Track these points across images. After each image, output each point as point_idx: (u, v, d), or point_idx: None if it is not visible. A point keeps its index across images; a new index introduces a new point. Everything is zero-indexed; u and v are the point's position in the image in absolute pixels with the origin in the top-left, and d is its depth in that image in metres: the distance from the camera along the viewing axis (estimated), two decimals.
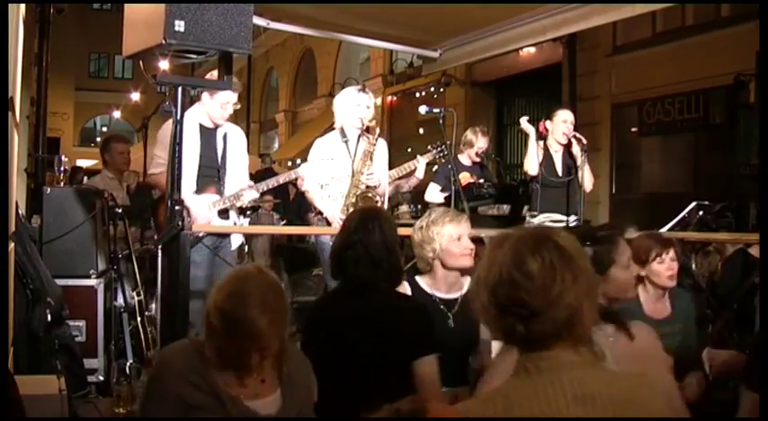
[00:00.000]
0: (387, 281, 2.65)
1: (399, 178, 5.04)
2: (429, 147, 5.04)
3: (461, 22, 5.37)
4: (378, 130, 4.56)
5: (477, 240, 3.22)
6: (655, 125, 9.54)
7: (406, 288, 2.99)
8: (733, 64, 7.69)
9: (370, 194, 4.42)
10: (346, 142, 4.49)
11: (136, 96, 23.34)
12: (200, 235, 4.04)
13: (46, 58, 5.13)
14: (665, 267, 3.24)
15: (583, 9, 4.78)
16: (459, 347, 3.02)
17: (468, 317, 3.12)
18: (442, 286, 3.12)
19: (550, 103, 9.71)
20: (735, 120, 8.27)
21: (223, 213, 4.24)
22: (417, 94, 13.42)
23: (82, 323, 3.92)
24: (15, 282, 3.23)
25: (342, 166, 4.46)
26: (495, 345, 3.52)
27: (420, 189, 5.87)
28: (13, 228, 3.07)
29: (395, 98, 14.74)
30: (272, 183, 4.46)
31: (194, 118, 4.20)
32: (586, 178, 5.17)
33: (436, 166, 5.58)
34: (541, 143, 5.27)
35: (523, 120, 5.42)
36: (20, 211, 3.64)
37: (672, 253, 3.27)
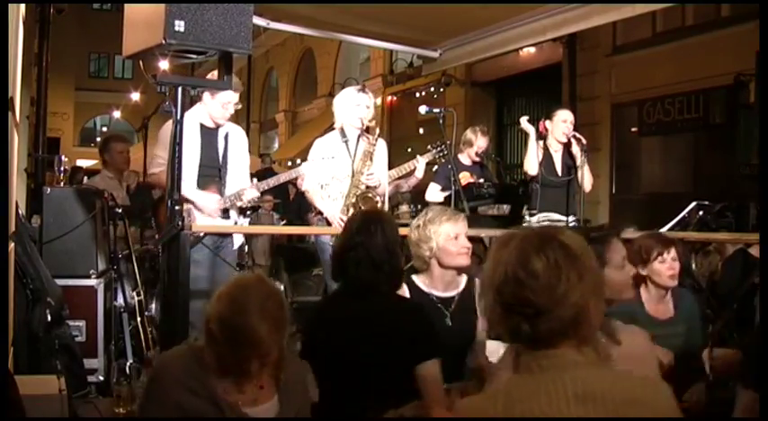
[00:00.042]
0: (388, 283, 2.65)
1: (399, 178, 5.03)
2: (429, 146, 5.04)
3: (461, 22, 5.37)
4: (378, 130, 4.56)
5: (475, 239, 3.23)
6: (655, 125, 9.54)
7: (403, 287, 2.99)
8: (733, 64, 7.69)
9: (370, 194, 4.42)
10: (346, 142, 4.49)
11: (136, 96, 23.35)
12: (201, 235, 4.05)
13: (46, 58, 5.12)
14: (666, 267, 3.24)
15: (583, 9, 4.78)
16: (457, 345, 3.02)
17: (466, 315, 3.13)
18: (438, 285, 3.12)
19: (550, 102, 9.71)
20: (735, 120, 8.27)
21: (224, 213, 4.24)
22: (417, 94, 13.42)
23: (82, 323, 3.92)
24: (15, 282, 3.23)
25: (342, 166, 4.46)
26: (491, 345, 3.53)
27: (419, 189, 5.87)
28: (13, 228, 3.07)
29: (395, 98, 14.74)
30: (272, 181, 4.46)
31: (195, 118, 4.21)
32: (586, 178, 5.17)
33: (436, 166, 5.58)
34: (541, 143, 5.27)
35: (524, 120, 5.42)
36: (20, 211, 3.63)
37: (673, 252, 3.27)
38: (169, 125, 3.56)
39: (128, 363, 3.88)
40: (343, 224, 4.25)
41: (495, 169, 7.52)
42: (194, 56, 3.14)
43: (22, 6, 3.37)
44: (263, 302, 2.02)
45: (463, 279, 3.19)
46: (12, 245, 3.04)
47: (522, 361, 1.50)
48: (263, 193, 4.35)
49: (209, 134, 4.26)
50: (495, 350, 3.41)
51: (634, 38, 9.62)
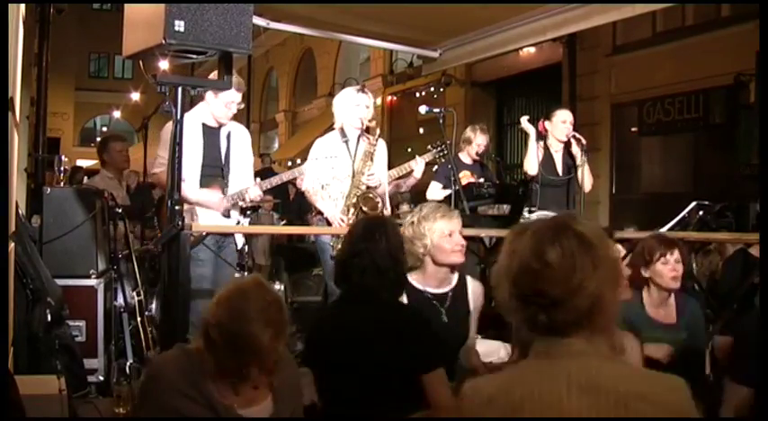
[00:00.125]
0: (391, 290, 2.64)
1: (398, 178, 5.04)
2: (429, 146, 5.04)
3: (461, 22, 5.37)
4: (378, 131, 4.56)
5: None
6: (655, 125, 9.54)
7: None
8: (733, 64, 7.69)
9: (370, 195, 4.42)
10: (346, 142, 4.48)
11: (136, 96, 23.35)
12: (203, 234, 4.06)
13: (46, 58, 5.12)
14: (668, 268, 3.20)
15: (583, 9, 4.79)
16: (452, 342, 3.02)
17: (459, 311, 3.14)
18: (432, 281, 3.11)
19: (550, 102, 9.70)
20: (735, 120, 8.28)
21: (225, 212, 4.24)
22: (417, 94, 13.41)
23: (82, 323, 3.92)
24: (15, 282, 3.23)
25: (342, 167, 4.46)
26: (490, 345, 3.54)
27: (419, 189, 5.87)
28: (13, 228, 3.07)
29: (395, 98, 14.74)
30: (275, 181, 4.46)
31: (198, 117, 4.21)
32: (586, 178, 5.18)
33: (436, 166, 5.59)
34: (542, 143, 5.28)
35: (524, 120, 5.43)
36: (20, 211, 3.64)
37: (677, 254, 3.23)
38: (171, 125, 3.57)
39: (128, 363, 3.88)
40: (343, 224, 4.27)
41: (495, 169, 7.52)
42: (194, 56, 3.14)
43: (22, 6, 3.37)
44: (265, 309, 2.02)
45: (455, 276, 3.19)
46: (12, 245, 3.04)
47: (534, 347, 1.49)
48: (264, 193, 4.34)
49: (211, 133, 4.26)
50: (495, 350, 3.43)
51: (634, 38, 9.62)
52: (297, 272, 7.08)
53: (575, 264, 1.44)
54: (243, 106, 4.41)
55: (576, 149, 5.21)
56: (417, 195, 6.33)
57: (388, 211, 4.59)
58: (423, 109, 5.19)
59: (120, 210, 4.49)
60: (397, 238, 2.70)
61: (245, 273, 4.30)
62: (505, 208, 5.18)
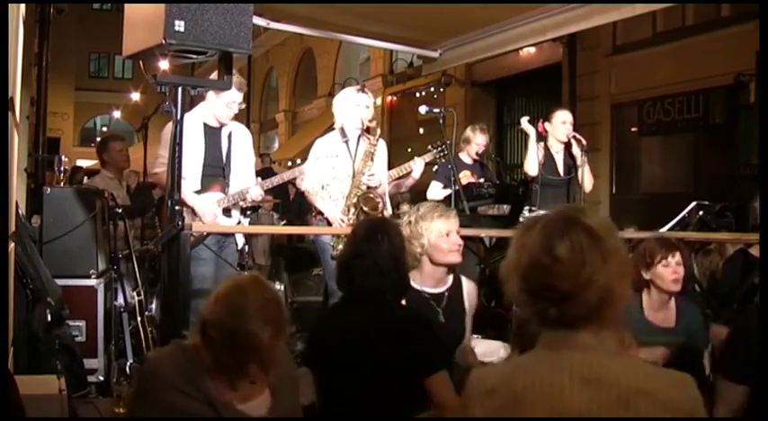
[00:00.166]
0: (393, 291, 2.63)
1: (398, 178, 5.04)
2: (429, 146, 5.04)
3: (461, 22, 5.38)
4: (378, 131, 4.56)
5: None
6: (655, 125, 9.54)
7: None
8: (733, 64, 7.69)
9: (371, 195, 4.42)
10: (347, 142, 4.48)
11: (136, 96, 23.34)
12: (204, 234, 4.06)
13: (46, 58, 5.12)
14: (669, 271, 3.18)
15: (583, 9, 4.79)
16: (450, 342, 3.02)
17: (456, 311, 3.14)
18: (429, 281, 3.11)
19: (550, 103, 9.70)
20: (735, 120, 8.28)
21: (227, 212, 4.25)
22: (417, 94, 13.41)
23: (82, 323, 3.92)
24: (15, 282, 3.23)
25: (342, 167, 4.46)
26: (490, 345, 3.53)
27: (418, 189, 5.87)
28: (13, 228, 3.07)
29: (395, 98, 14.74)
30: (276, 180, 4.46)
31: (199, 117, 4.22)
32: (586, 178, 5.18)
33: (436, 166, 5.59)
34: (542, 144, 5.28)
35: (524, 121, 5.43)
36: (20, 211, 3.64)
37: (678, 257, 3.22)
38: (171, 125, 3.57)
39: (128, 363, 3.90)
40: (343, 224, 4.27)
41: (495, 169, 7.52)
42: (194, 56, 3.14)
43: (22, 6, 3.37)
44: (264, 306, 2.01)
45: (450, 276, 3.19)
46: (12, 245, 3.04)
47: (541, 338, 1.50)
48: (265, 193, 4.35)
49: (213, 133, 4.26)
50: (494, 350, 3.43)
51: (634, 38, 9.62)
52: (297, 272, 7.08)
53: (584, 258, 1.44)
54: (244, 106, 4.41)
55: (576, 150, 5.21)
56: (417, 195, 6.33)
57: (388, 212, 4.59)
58: (423, 109, 5.20)
59: (120, 210, 4.49)
60: (399, 240, 2.70)
61: (245, 274, 4.29)
62: (505, 208, 5.19)
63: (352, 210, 4.37)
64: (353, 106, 4.46)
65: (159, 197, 6.05)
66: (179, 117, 3.18)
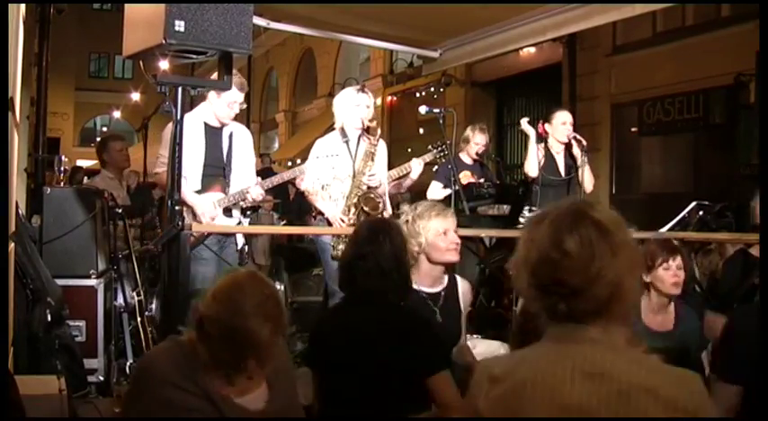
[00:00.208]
0: (395, 292, 2.63)
1: (397, 179, 5.04)
2: (429, 146, 5.03)
3: (461, 22, 5.38)
4: (379, 131, 4.56)
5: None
6: (655, 125, 9.54)
7: None
8: (733, 64, 7.69)
9: (371, 195, 4.42)
10: (347, 142, 4.48)
11: (136, 96, 23.35)
12: (205, 234, 4.06)
13: (46, 58, 5.12)
14: (670, 274, 3.17)
15: (583, 9, 4.79)
16: (447, 341, 3.01)
17: (452, 311, 3.14)
18: (426, 280, 3.11)
19: (550, 103, 9.71)
20: (735, 120, 8.28)
21: (227, 212, 4.25)
22: (417, 94, 13.42)
23: (82, 323, 3.92)
24: (15, 282, 3.23)
25: (343, 167, 4.46)
26: (490, 345, 3.54)
27: (419, 189, 5.87)
28: (13, 228, 3.07)
29: (395, 98, 14.74)
30: (276, 180, 4.46)
31: (200, 117, 4.22)
32: (587, 179, 5.18)
33: (436, 166, 5.59)
34: (542, 144, 5.29)
35: (524, 122, 5.43)
36: (20, 211, 3.64)
37: (678, 260, 3.21)
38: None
39: (128, 363, 3.90)
40: (344, 224, 4.27)
41: (495, 169, 7.52)
42: (194, 56, 3.14)
43: (22, 6, 3.37)
44: (263, 303, 2.00)
45: (446, 275, 3.20)
46: (12, 245, 3.04)
47: (548, 331, 1.50)
48: (265, 193, 4.35)
49: (213, 133, 4.26)
50: (494, 350, 3.43)
51: (634, 38, 9.62)
52: (297, 272, 7.07)
53: (593, 252, 1.43)
54: (245, 106, 4.41)
55: (576, 150, 5.21)
56: (417, 195, 6.33)
57: (388, 212, 4.59)
58: (423, 109, 5.19)
59: (120, 210, 4.49)
60: (401, 240, 2.70)
61: (242, 269, 4.29)
62: (505, 208, 5.19)
63: (353, 210, 4.37)
64: (354, 106, 4.46)
65: (159, 197, 6.05)
66: (179, 117, 3.18)
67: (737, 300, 4.03)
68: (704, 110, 8.85)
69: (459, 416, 2.29)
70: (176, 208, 3.19)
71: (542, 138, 5.31)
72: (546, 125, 5.31)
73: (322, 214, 4.47)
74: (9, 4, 2.52)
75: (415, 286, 3.05)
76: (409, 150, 10.68)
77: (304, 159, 4.93)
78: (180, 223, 3.17)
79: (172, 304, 3.21)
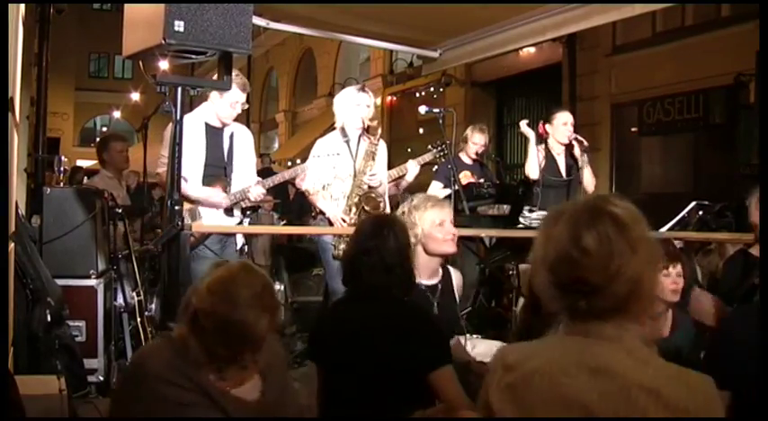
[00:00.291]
0: (399, 287, 2.62)
1: (394, 180, 5.04)
2: (429, 146, 5.03)
3: (461, 22, 5.37)
4: (379, 131, 4.56)
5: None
6: (655, 125, 9.54)
7: None
8: (733, 64, 7.69)
9: (372, 194, 4.42)
10: (347, 142, 4.48)
11: (136, 96, 23.35)
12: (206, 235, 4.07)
13: (46, 58, 5.12)
14: (669, 281, 3.14)
15: (583, 9, 4.78)
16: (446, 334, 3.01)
17: (449, 302, 3.16)
18: (423, 273, 3.10)
19: (550, 103, 9.71)
20: (735, 120, 8.29)
21: (228, 211, 4.25)
22: (417, 94, 13.42)
23: (82, 323, 3.92)
24: (15, 282, 3.23)
25: (344, 166, 4.46)
26: (490, 345, 3.53)
27: (417, 190, 5.87)
28: (13, 228, 3.07)
29: (395, 98, 14.74)
30: (277, 179, 4.47)
31: (201, 117, 4.23)
32: (588, 179, 5.17)
33: (436, 166, 5.59)
34: (543, 146, 5.28)
35: (523, 124, 5.42)
36: (20, 211, 3.64)
37: (679, 268, 3.19)
38: None
39: (128, 363, 3.89)
40: (345, 224, 4.27)
41: (495, 169, 7.53)
42: (194, 56, 3.15)
43: (22, 6, 3.37)
44: (259, 295, 1.99)
45: (440, 267, 3.21)
46: (12, 245, 3.04)
47: (566, 323, 1.50)
48: (266, 192, 4.35)
49: (214, 134, 4.27)
50: (495, 350, 3.42)
51: (634, 38, 9.62)
52: (297, 272, 7.08)
53: (612, 249, 1.42)
54: (247, 106, 4.42)
55: (577, 151, 5.21)
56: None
57: (388, 211, 4.58)
58: (423, 109, 5.19)
59: (120, 210, 4.49)
60: (405, 236, 2.68)
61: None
62: (505, 208, 5.19)
63: (354, 209, 4.37)
64: (354, 106, 4.46)
65: (160, 197, 6.04)
66: (179, 117, 3.19)
67: (737, 299, 4.03)
68: (704, 110, 8.85)
69: (464, 411, 2.29)
70: (176, 208, 3.19)
71: (543, 138, 5.31)
72: (546, 125, 5.31)
73: (323, 214, 4.47)
74: (9, 4, 2.52)
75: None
76: (409, 150, 10.69)
77: (304, 159, 4.93)
78: (180, 223, 3.17)
79: (172, 304, 3.21)
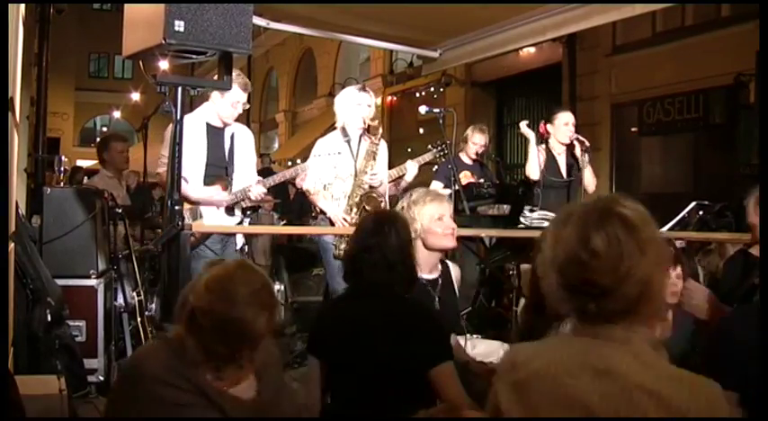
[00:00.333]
0: (401, 284, 2.61)
1: (394, 180, 5.04)
2: (429, 146, 5.03)
3: (461, 22, 5.37)
4: (380, 130, 4.56)
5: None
6: (655, 125, 9.54)
7: None
8: (733, 64, 7.69)
9: (374, 194, 4.42)
10: (348, 141, 4.48)
11: (136, 96, 23.35)
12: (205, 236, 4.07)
13: (46, 58, 5.12)
14: (669, 283, 3.18)
15: (583, 9, 4.78)
16: (447, 328, 3.01)
17: (449, 296, 3.15)
18: (424, 267, 3.09)
19: (550, 103, 9.72)
20: (735, 120, 8.28)
21: (229, 210, 4.25)
22: (417, 94, 13.42)
23: (82, 323, 3.93)
24: (15, 282, 3.24)
25: (344, 166, 4.46)
26: (490, 345, 3.53)
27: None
28: (13, 228, 3.07)
29: (395, 98, 14.74)
30: (278, 178, 4.47)
31: (202, 117, 4.23)
32: (589, 179, 5.17)
33: (436, 166, 5.59)
34: (543, 146, 5.27)
35: (523, 125, 5.41)
36: (20, 211, 3.64)
37: (679, 270, 3.18)
38: None
39: (123, 365, 3.89)
40: (346, 224, 4.27)
41: (495, 169, 7.53)
42: (194, 56, 3.15)
43: (22, 6, 3.37)
44: (257, 292, 1.98)
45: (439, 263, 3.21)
46: (12, 245, 3.04)
47: (574, 324, 1.50)
48: (267, 190, 4.35)
49: (215, 133, 4.27)
50: (495, 350, 3.42)
51: (634, 38, 9.62)
52: (297, 272, 7.08)
53: (621, 251, 1.42)
54: (249, 106, 4.42)
55: (578, 151, 5.20)
56: None
57: None
58: (423, 109, 5.19)
59: (120, 210, 4.49)
60: (407, 232, 2.67)
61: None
62: (505, 208, 5.19)
63: (355, 209, 4.37)
64: (355, 105, 4.46)
65: (160, 197, 6.04)
66: (179, 117, 3.19)
67: (737, 299, 4.03)
68: (704, 110, 8.85)
69: (468, 411, 2.29)
70: (176, 208, 3.19)
71: (544, 138, 5.30)
72: (548, 125, 5.30)
73: (324, 214, 4.46)
74: (9, 4, 2.52)
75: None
76: (409, 150, 10.68)
77: (304, 159, 4.93)
78: (180, 223, 3.17)
79: (172, 304, 3.21)
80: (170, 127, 4.08)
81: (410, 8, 4.92)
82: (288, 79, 20.20)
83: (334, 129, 4.63)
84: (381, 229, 2.59)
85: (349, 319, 2.56)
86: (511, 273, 5.18)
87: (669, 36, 9.13)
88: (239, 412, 2.03)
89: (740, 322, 2.30)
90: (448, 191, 5.34)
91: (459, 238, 3.26)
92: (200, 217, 4.15)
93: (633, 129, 9.97)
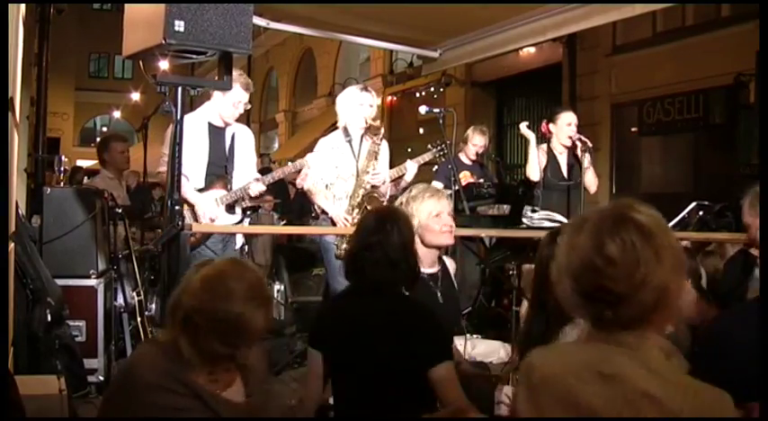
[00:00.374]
0: (404, 282, 2.61)
1: (394, 180, 5.04)
2: (429, 146, 5.03)
3: (461, 22, 5.37)
4: (382, 130, 4.56)
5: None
6: (655, 125, 9.54)
7: None
8: (733, 64, 7.69)
9: (375, 194, 4.42)
10: (350, 141, 4.48)
11: (136, 96, 23.36)
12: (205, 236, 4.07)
13: (46, 58, 5.12)
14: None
15: (583, 9, 4.78)
16: (448, 323, 3.00)
17: (450, 290, 3.17)
18: (424, 262, 3.07)
19: (550, 103, 9.72)
20: (735, 120, 8.28)
21: (230, 209, 4.25)
22: (417, 94, 13.41)
23: (82, 323, 3.93)
24: (15, 282, 3.24)
25: (346, 166, 4.46)
26: (490, 345, 3.53)
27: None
28: (13, 228, 3.07)
29: (395, 98, 14.73)
30: (278, 174, 4.47)
31: (203, 117, 4.24)
32: (590, 180, 5.15)
33: (436, 166, 5.59)
34: (544, 146, 5.25)
35: (523, 126, 5.39)
36: (20, 211, 3.64)
37: None
38: None
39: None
40: (348, 224, 4.27)
41: (495, 169, 7.53)
42: (194, 56, 3.15)
43: (22, 6, 3.37)
44: (252, 288, 1.97)
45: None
46: (12, 245, 3.04)
47: (588, 329, 1.49)
48: (263, 193, 4.35)
49: (217, 133, 4.28)
50: (495, 350, 3.42)
51: (634, 38, 9.62)
52: (297, 272, 7.09)
53: (637, 258, 1.40)
54: (250, 106, 4.42)
55: (580, 152, 5.18)
56: None
57: None
58: (423, 109, 5.19)
59: (120, 211, 4.49)
60: (409, 230, 2.66)
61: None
62: (505, 208, 5.19)
63: (356, 209, 4.36)
64: (357, 105, 4.46)
65: (160, 197, 6.04)
66: (179, 117, 3.19)
67: (737, 300, 4.03)
68: (704, 110, 8.85)
69: (472, 412, 2.29)
70: (176, 208, 3.19)
71: (545, 138, 5.29)
72: (550, 125, 5.27)
73: (325, 213, 4.46)
74: (9, 4, 2.52)
75: None
76: (409, 150, 10.68)
77: None
78: (180, 223, 3.17)
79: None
80: (171, 127, 4.09)
81: (410, 8, 4.92)
82: (288, 79, 20.20)
83: (335, 128, 4.62)
84: (383, 227, 2.57)
85: (350, 317, 2.55)
86: (511, 273, 5.17)
87: (669, 36, 9.13)
88: (231, 414, 2.03)
89: (740, 322, 2.29)
90: (448, 191, 5.35)
91: (459, 238, 3.25)
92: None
93: (633, 130, 9.97)
